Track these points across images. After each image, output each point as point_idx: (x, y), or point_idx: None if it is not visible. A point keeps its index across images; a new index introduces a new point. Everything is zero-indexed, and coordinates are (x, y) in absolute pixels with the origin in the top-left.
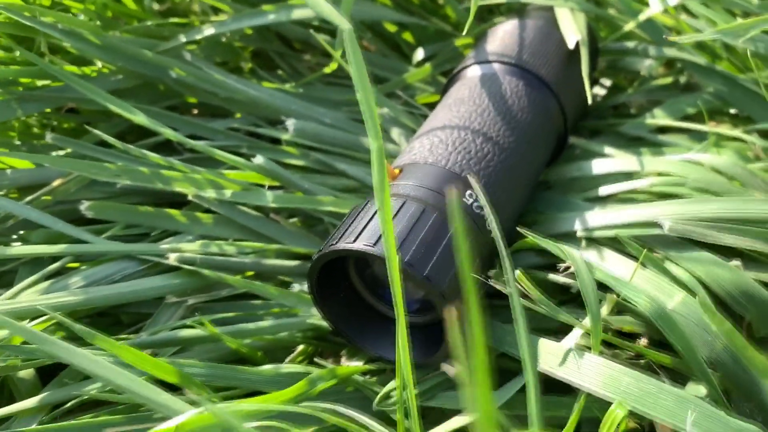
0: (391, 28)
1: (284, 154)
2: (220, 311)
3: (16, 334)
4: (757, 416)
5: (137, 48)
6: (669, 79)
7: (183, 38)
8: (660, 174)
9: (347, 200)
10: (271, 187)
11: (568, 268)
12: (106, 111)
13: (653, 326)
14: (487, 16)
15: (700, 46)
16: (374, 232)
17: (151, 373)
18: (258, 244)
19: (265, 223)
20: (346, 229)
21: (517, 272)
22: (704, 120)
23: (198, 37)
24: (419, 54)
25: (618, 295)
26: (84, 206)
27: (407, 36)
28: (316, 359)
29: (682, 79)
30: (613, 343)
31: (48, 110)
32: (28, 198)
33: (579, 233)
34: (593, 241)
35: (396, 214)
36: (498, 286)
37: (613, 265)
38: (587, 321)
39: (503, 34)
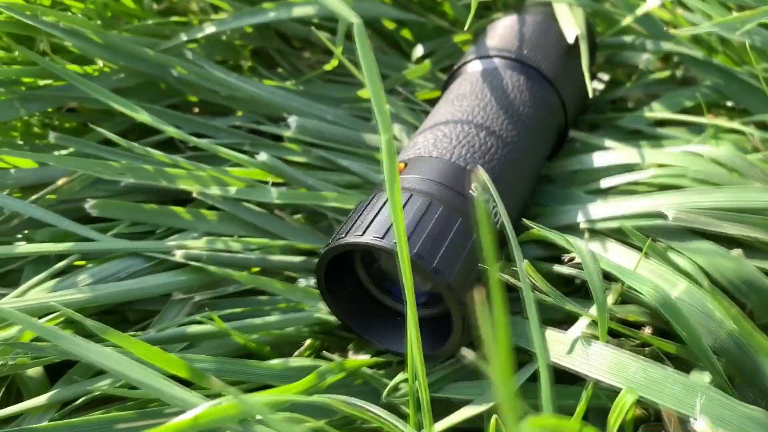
0: (390, 25)
1: (286, 151)
2: (227, 307)
3: (30, 331)
4: (760, 402)
5: (138, 47)
6: (666, 73)
7: (184, 37)
8: (660, 166)
9: (350, 196)
10: (274, 184)
11: (572, 259)
12: (107, 110)
13: (657, 315)
14: (485, 12)
15: (697, 40)
16: (382, 225)
17: (162, 368)
18: (263, 241)
19: (269, 220)
20: (354, 223)
21: (525, 263)
22: (702, 113)
23: (198, 35)
24: (418, 51)
25: (622, 285)
26: (89, 204)
27: (406, 33)
28: (323, 353)
29: (679, 73)
30: (618, 333)
31: (50, 110)
32: (33, 197)
33: (582, 225)
34: (596, 233)
35: (403, 207)
36: (507, 278)
37: (617, 256)
38: (593, 311)
39: (503, 30)
